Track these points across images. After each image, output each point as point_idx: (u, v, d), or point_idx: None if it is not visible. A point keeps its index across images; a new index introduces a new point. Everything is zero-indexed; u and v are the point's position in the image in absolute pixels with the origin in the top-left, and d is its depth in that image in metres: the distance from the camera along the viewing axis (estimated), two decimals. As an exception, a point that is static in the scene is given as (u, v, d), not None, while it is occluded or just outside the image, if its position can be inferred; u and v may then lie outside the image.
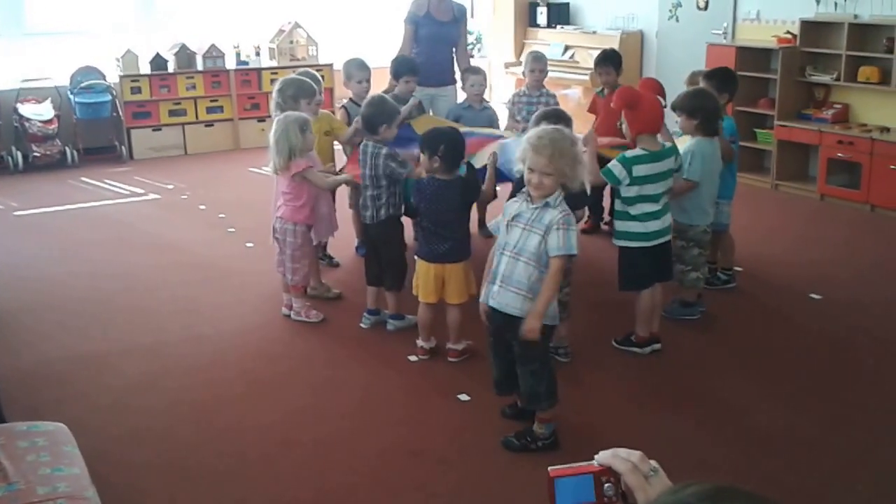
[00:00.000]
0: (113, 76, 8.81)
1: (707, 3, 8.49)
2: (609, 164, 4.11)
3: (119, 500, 3.12)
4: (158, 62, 8.96)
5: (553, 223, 3.25)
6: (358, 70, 5.64)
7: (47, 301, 5.22)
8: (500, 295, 3.37)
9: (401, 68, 5.70)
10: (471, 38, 10.87)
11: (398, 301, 4.65)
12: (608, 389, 4.07)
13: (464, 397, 3.94)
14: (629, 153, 4.12)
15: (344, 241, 5.66)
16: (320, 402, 3.98)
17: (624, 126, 4.19)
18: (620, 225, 4.24)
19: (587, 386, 4.06)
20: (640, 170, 4.06)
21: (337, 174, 5.08)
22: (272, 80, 9.25)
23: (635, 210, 4.14)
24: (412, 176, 4.42)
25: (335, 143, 5.55)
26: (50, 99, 8.51)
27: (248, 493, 3.30)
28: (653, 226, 4.17)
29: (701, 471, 3.30)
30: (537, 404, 3.48)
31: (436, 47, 6.25)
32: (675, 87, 5.59)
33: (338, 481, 3.37)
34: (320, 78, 5.55)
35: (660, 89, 4.38)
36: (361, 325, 4.74)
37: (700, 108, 4.48)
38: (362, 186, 4.59)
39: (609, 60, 6.22)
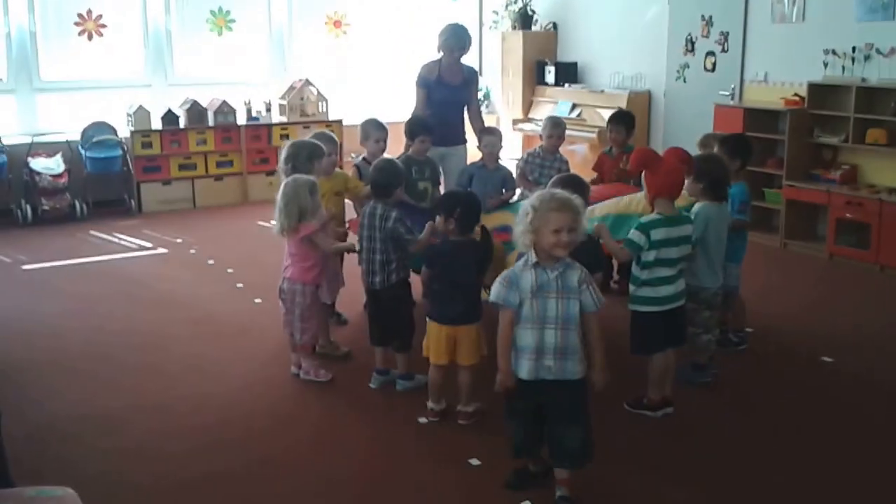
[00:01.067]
0: (124, 131, 8.90)
1: (714, 65, 8.59)
2: (629, 235, 4.13)
3: None
4: (170, 118, 9.05)
5: (581, 282, 3.29)
6: (375, 130, 5.69)
7: (54, 357, 5.18)
8: (560, 367, 3.35)
9: (415, 128, 5.74)
10: (479, 95, 11.00)
11: (408, 361, 4.61)
12: (619, 454, 3.99)
13: (475, 462, 3.88)
14: (645, 218, 4.14)
15: (352, 298, 5.63)
16: (329, 465, 3.92)
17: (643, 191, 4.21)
18: (634, 290, 4.23)
19: (597, 450, 3.95)
20: (657, 234, 4.07)
21: (345, 236, 5.08)
22: (282, 136, 9.45)
23: (649, 275, 4.14)
24: (417, 248, 4.42)
25: (345, 201, 5.57)
26: (61, 153, 8.59)
27: None
28: (665, 291, 4.16)
29: None
30: (584, 461, 3.45)
31: (448, 110, 6.31)
32: (684, 146, 5.61)
33: None
34: (335, 138, 5.58)
35: (686, 159, 4.37)
36: (371, 385, 4.70)
37: (706, 173, 4.49)
38: (368, 250, 4.57)
39: (621, 120, 6.33)
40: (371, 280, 4.60)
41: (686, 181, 4.47)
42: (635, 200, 4.86)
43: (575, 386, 3.37)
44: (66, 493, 2.96)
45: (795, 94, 7.61)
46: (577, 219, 3.25)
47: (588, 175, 6.27)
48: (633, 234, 4.10)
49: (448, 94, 6.32)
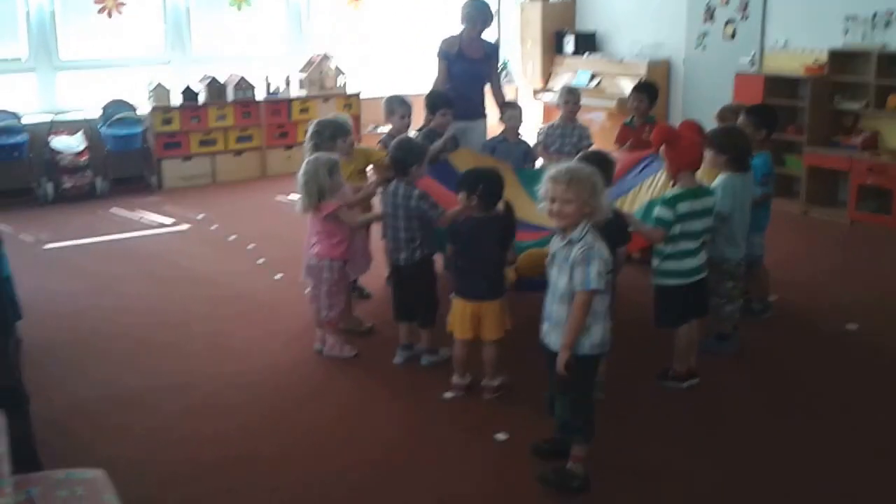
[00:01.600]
0: (144, 108, 8.91)
1: (735, 32, 8.49)
2: (655, 212, 4.14)
3: None
4: (189, 94, 9.05)
5: (574, 260, 3.28)
6: (400, 106, 5.67)
7: (78, 337, 5.22)
8: (549, 334, 3.43)
9: (437, 101, 5.75)
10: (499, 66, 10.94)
11: (432, 335, 4.65)
12: (645, 426, 4.03)
13: (501, 436, 3.90)
14: (669, 193, 4.15)
15: (375, 273, 5.63)
16: (356, 443, 3.95)
17: (664, 164, 4.20)
18: (658, 263, 4.23)
19: (624, 423, 4.02)
20: (682, 207, 4.08)
21: (368, 195, 5.08)
22: (301, 111, 9.44)
23: (673, 248, 4.14)
24: (442, 222, 4.42)
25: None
26: (81, 131, 8.61)
27: None
28: (689, 263, 4.17)
29: None
30: (570, 434, 3.49)
31: (468, 84, 6.30)
32: (703, 115, 5.62)
33: None
34: (350, 123, 5.53)
35: (700, 130, 4.40)
36: (395, 360, 4.73)
37: (732, 146, 4.49)
38: (392, 228, 4.59)
39: (644, 89, 6.29)
40: (396, 257, 4.62)
41: (707, 154, 4.46)
42: (650, 186, 4.96)
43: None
44: (95, 475, 2.98)
45: (816, 61, 7.52)
46: (568, 190, 3.25)
47: (608, 145, 6.26)
48: (661, 211, 4.10)
49: (468, 67, 6.30)
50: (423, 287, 4.60)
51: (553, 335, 3.40)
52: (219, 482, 3.65)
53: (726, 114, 5.47)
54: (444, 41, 6.35)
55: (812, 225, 7.37)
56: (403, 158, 4.54)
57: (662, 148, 4.16)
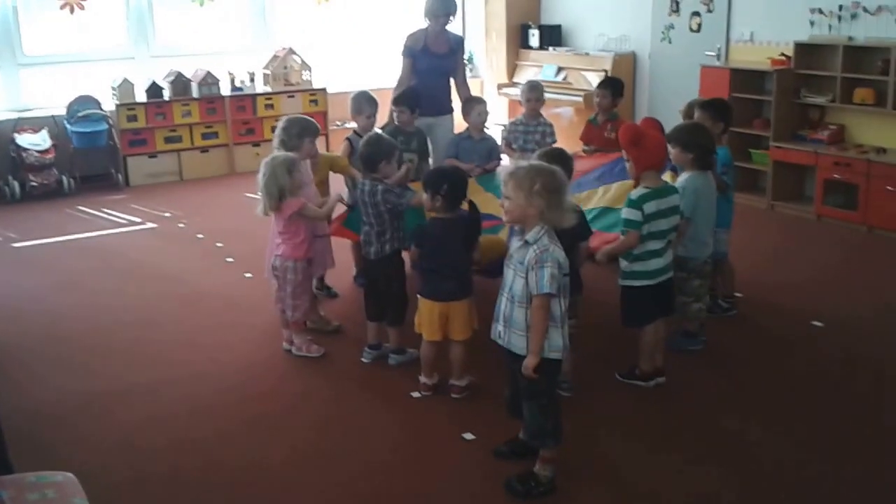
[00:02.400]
0: (109, 105, 8.81)
1: (700, 25, 8.53)
2: (623, 214, 4.14)
3: None
4: (154, 90, 8.97)
5: (529, 262, 3.27)
6: (368, 104, 5.64)
7: (47, 337, 5.18)
8: (504, 335, 3.42)
9: (400, 99, 5.76)
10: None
11: (400, 335, 4.64)
12: (612, 424, 4.05)
13: (468, 436, 3.91)
14: (634, 194, 4.13)
15: (341, 272, 5.65)
16: (323, 441, 3.95)
17: (628, 164, 4.20)
18: (624, 265, 4.24)
19: (591, 421, 4.04)
20: (649, 207, 4.08)
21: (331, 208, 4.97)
22: (266, 106, 9.36)
23: (640, 249, 4.15)
24: (415, 203, 4.44)
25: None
26: (46, 128, 8.51)
27: None
28: (655, 264, 4.18)
29: None
30: (542, 441, 3.48)
31: (434, 79, 6.27)
32: (669, 109, 5.61)
33: None
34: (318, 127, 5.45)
35: (660, 128, 4.42)
36: (363, 359, 4.73)
37: (696, 144, 4.50)
38: (364, 224, 4.59)
39: (608, 85, 6.28)
40: (367, 250, 4.62)
41: (672, 151, 4.48)
42: (605, 193, 5.06)
43: (521, 361, 3.35)
44: (66, 478, 2.98)
45: (782, 54, 7.57)
46: (508, 189, 3.28)
47: (576, 143, 6.27)
48: (628, 213, 4.10)
49: (434, 63, 6.27)
50: (393, 285, 4.59)
51: (513, 338, 3.38)
52: (188, 482, 3.64)
53: (692, 109, 5.47)
54: (409, 37, 6.32)
55: (778, 220, 7.42)
56: (372, 155, 4.53)
57: (627, 149, 4.15)
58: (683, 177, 4.53)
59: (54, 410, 4.28)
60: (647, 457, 3.75)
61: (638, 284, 4.21)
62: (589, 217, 4.45)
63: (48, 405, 4.33)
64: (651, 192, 4.11)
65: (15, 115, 8.50)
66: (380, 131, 5.32)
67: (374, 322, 4.71)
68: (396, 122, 5.73)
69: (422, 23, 6.32)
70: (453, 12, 6.29)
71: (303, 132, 4.95)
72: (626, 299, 4.29)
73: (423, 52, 6.25)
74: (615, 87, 6.27)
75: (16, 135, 8.35)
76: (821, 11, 7.36)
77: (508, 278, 3.39)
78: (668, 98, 5.98)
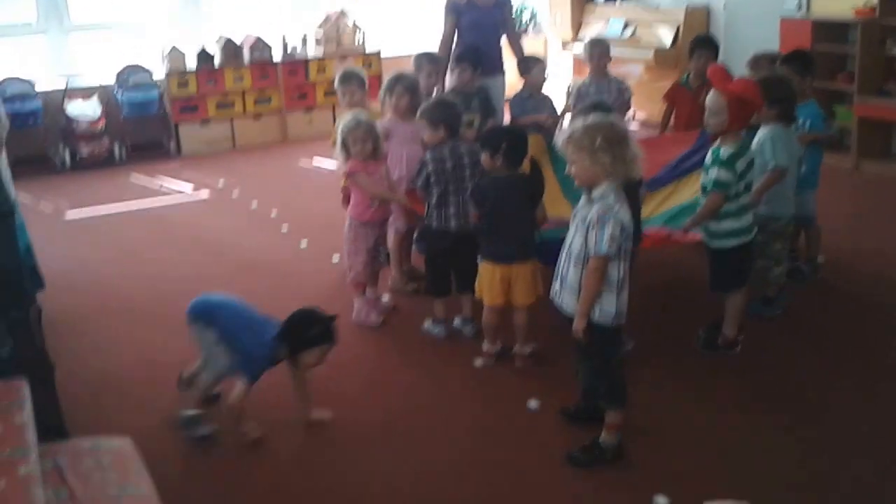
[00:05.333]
0: (159, 72, 8.69)
1: (779, -26, 8.03)
2: (713, 177, 3.85)
3: None
4: (204, 57, 8.81)
5: (591, 220, 3.10)
6: (428, 63, 5.41)
7: (102, 307, 5.11)
8: (560, 295, 3.30)
9: (457, 58, 5.50)
10: (526, 15, 10.54)
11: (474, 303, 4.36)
12: (685, 391, 3.85)
13: (533, 404, 3.76)
14: (724, 153, 3.84)
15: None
16: (385, 412, 3.82)
17: (716, 121, 3.85)
18: (716, 225, 3.94)
19: (663, 388, 3.85)
20: (740, 164, 3.84)
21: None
22: (319, 70, 9.13)
23: (735, 204, 3.89)
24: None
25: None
26: (97, 97, 8.41)
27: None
28: (748, 219, 3.95)
29: (783, 479, 3.13)
30: (596, 400, 3.39)
31: (482, 35, 5.97)
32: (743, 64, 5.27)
33: (406, 491, 3.23)
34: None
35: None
36: (432, 332, 4.50)
37: (783, 98, 4.23)
38: (454, 193, 4.28)
39: (706, 44, 5.71)
40: (448, 223, 4.34)
41: None
42: (680, 189, 4.69)
43: (571, 322, 3.23)
44: (122, 444, 2.96)
45: (866, 4, 7.12)
46: (571, 152, 3.13)
47: (647, 102, 5.86)
48: (721, 175, 3.82)
49: (480, 17, 5.98)
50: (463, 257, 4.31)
51: (566, 297, 3.25)
52: (245, 450, 3.54)
53: (762, 62, 5.09)
54: None
55: (864, 180, 7.04)
56: (449, 118, 4.30)
57: (722, 110, 3.79)
58: (768, 130, 4.25)
59: (111, 378, 4.23)
60: (721, 424, 3.58)
61: (734, 243, 3.95)
62: (665, 217, 4.27)
63: (105, 373, 4.28)
64: (739, 148, 3.86)
65: (64, 84, 8.39)
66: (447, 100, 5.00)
67: (443, 296, 4.47)
68: (455, 85, 5.46)
69: None
70: None
71: (396, 84, 4.84)
72: (721, 261, 4.01)
73: (467, 5, 5.97)
74: (714, 47, 5.70)
75: (66, 103, 8.26)
76: (908, -44, 6.87)
77: (570, 235, 3.24)
78: (745, 54, 5.55)
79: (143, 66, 8.58)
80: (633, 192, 3.78)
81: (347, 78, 5.21)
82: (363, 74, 5.30)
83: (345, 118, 4.51)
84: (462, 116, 4.41)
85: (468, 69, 5.38)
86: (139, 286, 5.40)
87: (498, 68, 6.09)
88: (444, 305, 4.46)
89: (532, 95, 5.60)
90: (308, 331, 3.49)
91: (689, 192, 4.67)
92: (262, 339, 3.44)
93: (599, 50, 5.73)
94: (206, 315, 3.59)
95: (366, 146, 4.38)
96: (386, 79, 5.01)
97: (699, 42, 5.81)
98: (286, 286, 5.28)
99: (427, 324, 4.51)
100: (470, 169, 4.24)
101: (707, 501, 1.28)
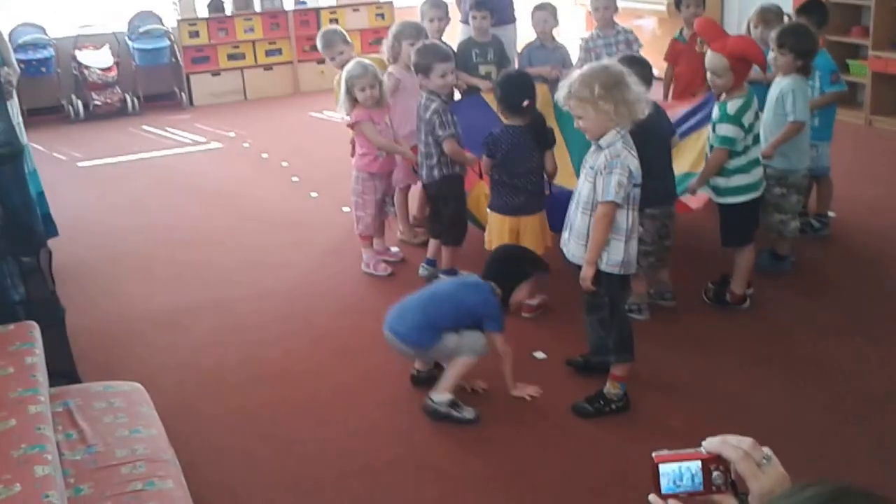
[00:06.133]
0: (170, 20, 8.62)
1: (793, -77, 7.87)
2: (721, 133, 3.81)
3: (196, 458, 3.05)
4: (216, 4, 8.75)
5: (598, 167, 3.07)
6: (431, 8, 5.27)
7: (115, 255, 5.15)
8: (568, 243, 3.29)
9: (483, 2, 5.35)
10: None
11: (453, 256, 4.41)
12: (696, 345, 3.82)
13: (540, 355, 3.76)
14: (731, 108, 3.79)
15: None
16: (391, 361, 3.76)
17: (720, 80, 3.79)
18: (722, 182, 3.91)
19: (668, 345, 3.82)
20: (748, 117, 3.79)
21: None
22: (331, 20, 9.03)
23: (746, 158, 3.85)
24: (458, 160, 4.19)
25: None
26: (108, 45, 8.38)
27: (322, 447, 3.21)
28: (758, 173, 3.91)
29: (790, 435, 3.08)
30: (604, 355, 3.37)
31: None
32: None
33: (415, 444, 3.22)
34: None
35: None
36: (420, 273, 4.54)
37: (810, 49, 4.16)
38: (418, 140, 4.32)
39: None
40: (419, 173, 4.40)
41: (781, 59, 4.13)
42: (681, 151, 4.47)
43: (578, 271, 3.22)
44: (133, 387, 3.00)
45: (884, -46, 6.96)
46: (573, 105, 3.06)
47: (660, 60, 5.74)
48: (730, 130, 3.78)
49: None
50: (448, 207, 4.34)
51: (573, 245, 3.25)
52: (256, 395, 3.59)
53: (770, 16, 4.91)
54: None
55: (876, 136, 6.92)
56: (420, 61, 4.25)
57: (726, 71, 3.74)
58: (787, 81, 4.17)
59: (123, 325, 4.27)
60: (732, 377, 3.55)
61: (743, 199, 3.92)
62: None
63: (117, 321, 4.32)
64: (746, 101, 3.80)
65: (76, 32, 8.36)
66: (437, 41, 4.91)
67: (435, 239, 4.50)
68: (472, 34, 5.35)
69: None
70: None
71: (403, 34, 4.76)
72: (731, 217, 3.98)
73: None
74: None
75: (77, 52, 8.24)
76: None
77: (579, 183, 3.22)
78: (755, 3, 5.48)
79: (154, 13, 8.53)
80: (664, 147, 3.81)
81: (329, 40, 5.03)
82: (342, 31, 5.16)
83: (348, 66, 4.45)
84: (435, 58, 4.23)
85: (489, 16, 5.29)
86: (148, 235, 5.43)
87: (508, 17, 5.94)
88: (434, 246, 4.50)
89: (542, 45, 5.46)
90: (519, 265, 3.45)
91: (689, 156, 4.51)
92: (482, 294, 3.34)
93: (605, 1, 5.59)
94: (430, 333, 3.30)
95: (373, 92, 4.35)
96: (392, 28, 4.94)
97: None
98: (296, 236, 5.30)
99: (421, 269, 4.54)
100: (420, 121, 4.24)
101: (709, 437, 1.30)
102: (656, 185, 3.55)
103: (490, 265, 3.46)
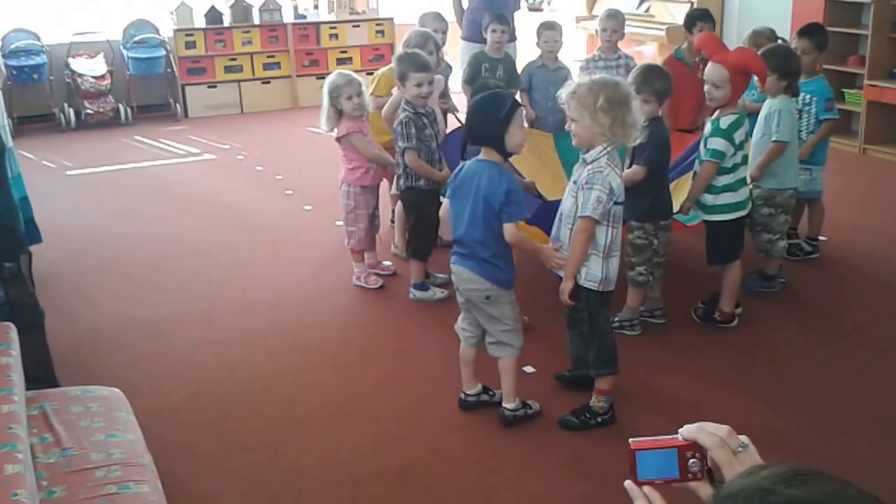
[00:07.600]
0: (167, 30, 8.61)
1: (795, -50, 7.89)
2: (712, 146, 3.81)
3: (174, 465, 3.01)
4: (213, 15, 8.72)
5: (581, 182, 3.08)
6: (433, 21, 5.25)
7: (101, 264, 5.09)
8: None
9: (503, 16, 5.40)
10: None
11: (419, 271, 4.42)
12: (681, 362, 3.81)
13: (529, 369, 3.72)
14: (724, 122, 3.80)
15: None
16: (379, 372, 3.79)
17: (719, 93, 3.79)
18: (710, 199, 3.90)
19: (657, 361, 3.81)
20: (739, 134, 3.80)
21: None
22: (331, 36, 9.02)
23: (732, 178, 3.86)
24: (411, 161, 4.14)
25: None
26: (102, 54, 8.35)
27: (305, 459, 3.16)
28: (745, 192, 3.92)
29: (774, 453, 2.97)
30: (585, 369, 3.37)
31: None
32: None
33: (398, 456, 3.17)
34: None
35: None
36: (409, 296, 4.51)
37: (793, 70, 4.20)
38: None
39: (707, 17, 5.35)
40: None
41: (768, 79, 4.13)
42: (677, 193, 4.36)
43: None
44: (112, 393, 2.96)
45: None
46: (573, 109, 3.05)
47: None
48: (720, 144, 3.78)
49: None
50: (412, 219, 4.36)
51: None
52: (240, 406, 3.55)
53: (762, 39, 4.88)
54: None
55: (870, 165, 6.94)
56: (397, 69, 4.23)
57: (725, 82, 3.72)
58: (775, 101, 4.21)
59: (107, 333, 4.21)
60: (714, 395, 3.55)
61: (730, 217, 3.91)
62: None
63: (102, 329, 4.26)
64: (738, 118, 3.82)
65: (70, 40, 8.31)
66: (417, 51, 4.81)
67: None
68: (489, 46, 5.34)
69: None
70: None
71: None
72: (718, 235, 3.98)
73: None
74: (712, 20, 5.45)
75: (71, 60, 8.20)
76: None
77: (564, 197, 3.23)
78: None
79: (150, 21, 8.50)
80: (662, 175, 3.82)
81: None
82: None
83: (330, 77, 4.41)
84: (411, 66, 4.16)
85: (507, 30, 5.30)
86: (137, 245, 5.37)
87: (512, 36, 5.93)
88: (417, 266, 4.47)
89: (544, 65, 5.40)
90: (498, 112, 3.06)
91: (679, 196, 4.32)
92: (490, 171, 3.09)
93: (614, 24, 5.47)
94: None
95: (360, 101, 4.34)
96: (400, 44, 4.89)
97: (696, 15, 5.43)
98: (287, 248, 5.26)
99: (420, 292, 4.48)
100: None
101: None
102: (668, 197, 3.67)
103: (467, 126, 3.26)
